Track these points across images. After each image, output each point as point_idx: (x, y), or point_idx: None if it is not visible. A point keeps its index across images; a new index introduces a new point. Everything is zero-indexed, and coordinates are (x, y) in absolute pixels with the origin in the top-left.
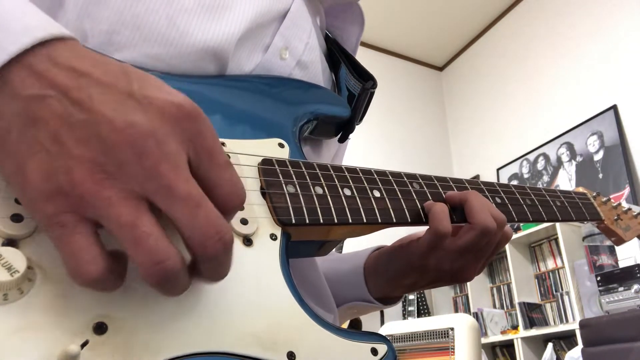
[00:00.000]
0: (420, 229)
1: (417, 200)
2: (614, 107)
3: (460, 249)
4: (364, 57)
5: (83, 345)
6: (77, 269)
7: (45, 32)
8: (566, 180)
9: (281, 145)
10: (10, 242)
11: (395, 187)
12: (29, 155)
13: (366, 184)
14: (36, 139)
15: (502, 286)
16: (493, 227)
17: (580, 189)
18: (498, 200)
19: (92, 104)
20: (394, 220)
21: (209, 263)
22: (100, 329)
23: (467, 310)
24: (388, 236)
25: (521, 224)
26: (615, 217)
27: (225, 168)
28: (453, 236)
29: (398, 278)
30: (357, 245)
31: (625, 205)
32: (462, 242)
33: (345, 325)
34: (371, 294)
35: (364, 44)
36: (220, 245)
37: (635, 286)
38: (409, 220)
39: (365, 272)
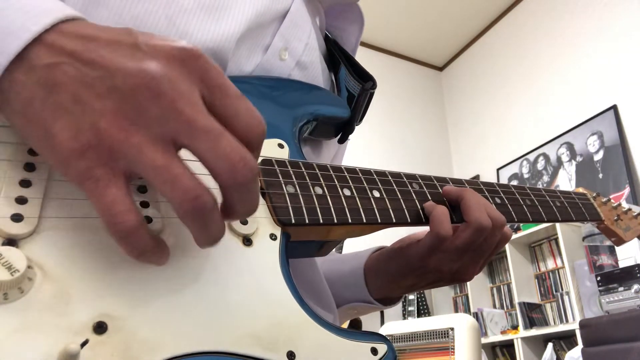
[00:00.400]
0: (420, 229)
1: (416, 201)
2: (614, 107)
3: (458, 249)
4: (364, 57)
5: (83, 344)
6: (114, 219)
7: (62, 13)
8: (566, 180)
9: (281, 146)
10: (11, 241)
11: (395, 187)
12: (53, 119)
13: (366, 184)
14: (58, 103)
15: (502, 286)
16: (488, 224)
17: (580, 190)
18: (498, 200)
19: (103, 61)
20: (394, 220)
21: (238, 191)
22: (100, 328)
23: (467, 310)
24: (388, 236)
25: (521, 224)
26: (615, 218)
27: (239, 99)
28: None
29: (398, 279)
30: (357, 246)
31: (625, 205)
32: (459, 241)
33: (345, 325)
34: (371, 295)
35: (364, 44)
36: (246, 171)
37: (635, 286)
38: (409, 220)
39: (365, 273)
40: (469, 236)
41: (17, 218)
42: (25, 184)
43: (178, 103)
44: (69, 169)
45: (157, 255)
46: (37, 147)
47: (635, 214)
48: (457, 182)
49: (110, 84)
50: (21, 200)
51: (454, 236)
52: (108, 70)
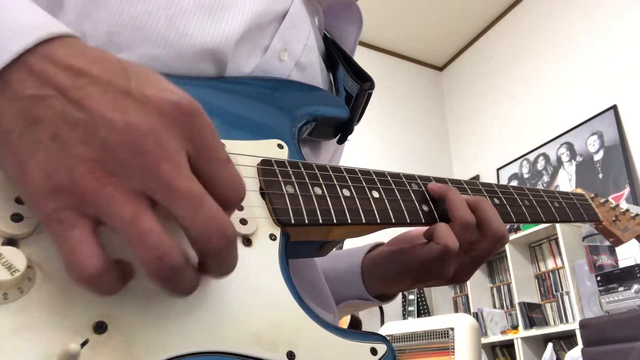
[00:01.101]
0: (419, 230)
1: (415, 201)
2: (614, 107)
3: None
4: (364, 57)
5: (83, 344)
6: (74, 263)
7: (47, 31)
8: (566, 181)
9: (280, 146)
10: (11, 241)
11: (394, 187)
12: (29, 154)
13: (365, 185)
14: (36, 138)
15: (502, 286)
16: (472, 220)
17: (579, 190)
18: (496, 201)
19: (90, 103)
20: (393, 220)
21: (214, 258)
22: (100, 328)
23: (467, 310)
24: (388, 236)
25: (521, 224)
26: (614, 218)
27: (225, 164)
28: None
29: (396, 279)
30: (357, 245)
31: (623, 206)
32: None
33: (344, 323)
34: (368, 292)
35: (364, 44)
36: (223, 240)
37: (635, 286)
38: (408, 221)
39: (362, 270)
40: (456, 234)
41: (17, 218)
42: None
43: (161, 164)
44: (37, 208)
45: (121, 288)
46: (10, 177)
47: (633, 214)
48: (456, 182)
49: (93, 132)
50: (21, 200)
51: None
52: (93, 116)
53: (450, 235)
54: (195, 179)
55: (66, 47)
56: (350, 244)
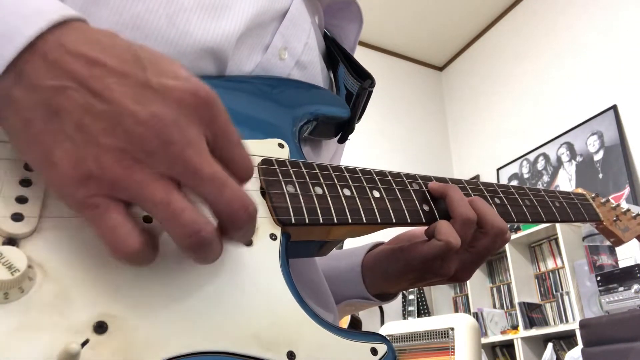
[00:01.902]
0: (419, 229)
1: (416, 201)
2: (614, 107)
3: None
4: (364, 57)
5: (83, 344)
6: (116, 244)
7: (59, 15)
8: (566, 180)
9: (281, 146)
10: (11, 241)
11: (395, 187)
12: (54, 144)
13: (366, 184)
14: (60, 129)
15: (502, 286)
16: (473, 217)
17: (580, 190)
18: (497, 201)
19: (112, 95)
20: (394, 220)
21: (237, 230)
22: (100, 328)
23: (467, 310)
24: (388, 236)
25: (521, 224)
26: (614, 218)
27: (239, 146)
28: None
29: (396, 278)
30: (357, 245)
31: (624, 206)
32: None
33: (345, 323)
34: (369, 291)
35: (364, 44)
36: (247, 216)
37: (635, 286)
38: (409, 220)
39: (363, 269)
40: (457, 231)
41: (17, 217)
42: (25, 183)
43: (186, 151)
44: (68, 196)
45: (152, 259)
46: (35, 168)
47: (634, 214)
48: (457, 182)
49: (117, 123)
50: (21, 200)
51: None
52: (117, 108)
53: (452, 232)
54: (216, 163)
55: (77, 33)
56: (350, 243)
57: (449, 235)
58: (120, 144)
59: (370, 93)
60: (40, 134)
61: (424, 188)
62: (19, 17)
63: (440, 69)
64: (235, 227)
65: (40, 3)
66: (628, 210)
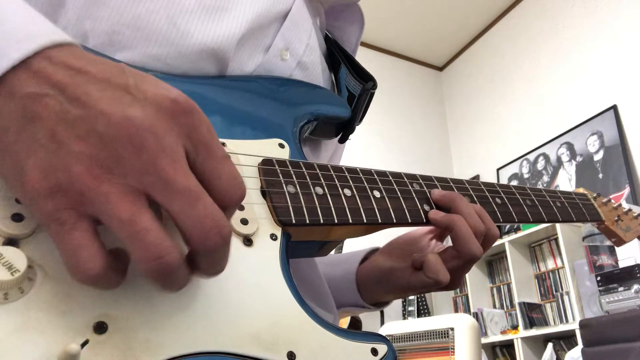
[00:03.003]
0: (417, 232)
1: (417, 201)
2: (614, 107)
3: (448, 272)
4: (364, 57)
5: (83, 344)
6: (76, 266)
7: (47, 39)
8: (566, 180)
9: (281, 146)
10: (11, 241)
11: (396, 187)
12: (27, 154)
13: (366, 184)
14: (34, 137)
15: (502, 286)
16: (480, 254)
17: (581, 190)
18: (498, 200)
19: (88, 100)
20: (394, 220)
21: (207, 257)
22: (100, 328)
23: (467, 310)
24: (388, 236)
25: (521, 224)
26: (616, 218)
27: (224, 161)
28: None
29: (388, 293)
30: (357, 245)
31: (625, 206)
32: (449, 266)
33: (345, 323)
34: (364, 300)
35: (364, 44)
36: (219, 239)
37: (635, 286)
38: (409, 220)
39: (357, 279)
40: (459, 264)
41: (17, 218)
42: None
43: (159, 160)
44: (36, 208)
45: (117, 284)
46: (6, 178)
47: (635, 214)
48: (458, 182)
49: (91, 127)
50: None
51: (443, 259)
52: (92, 112)
53: (441, 269)
54: (193, 176)
55: (65, 50)
56: (350, 243)
57: (438, 272)
58: (92, 150)
59: (372, 95)
60: (14, 142)
61: (425, 188)
62: (9, 40)
63: (440, 69)
64: (205, 250)
65: (30, 27)
66: (629, 210)
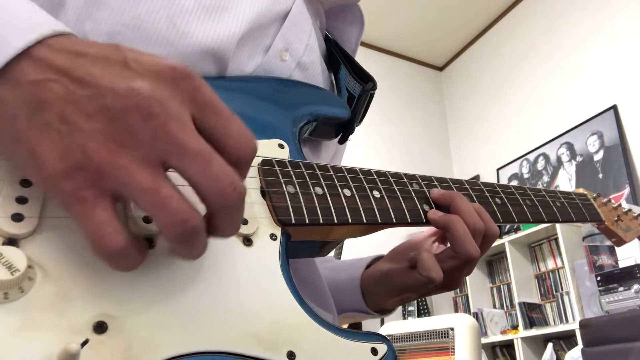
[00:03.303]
0: (423, 234)
1: (416, 200)
2: (614, 107)
3: (445, 272)
4: (364, 57)
5: (83, 344)
6: (100, 241)
7: (49, 29)
8: (566, 180)
9: (281, 146)
10: (11, 241)
11: (395, 187)
12: (40, 138)
13: (366, 184)
14: (45, 121)
15: (502, 286)
16: (476, 254)
17: (581, 190)
18: (498, 201)
19: (92, 79)
20: (394, 220)
21: (225, 215)
22: (100, 328)
23: (467, 310)
24: (389, 237)
25: (521, 224)
26: (616, 218)
27: (231, 118)
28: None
29: (385, 299)
30: (357, 245)
31: (625, 206)
32: (445, 266)
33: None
34: (368, 306)
35: (363, 44)
36: (235, 195)
37: (635, 286)
38: (409, 220)
39: (361, 285)
40: (456, 264)
41: (17, 218)
42: (25, 183)
43: (169, 125)
44: (56, 190)
45: (140, 263)
46: (22, 167)
47: (635, 214)
48: (457, 182)
49: (99, 104)
50: (22, 200)
51: (440, 260)
52: (97, 89)
53: (434, 267)
54: (202, 138)
55: (64, 38)
56: (350, 243)
57: (431, 270)
58: (103, 125)
59: (372, 96)
60: (25, 129)
61: (425, 188)
62: (12, 30)
63: (440, 69)
64: (223, 209)
65: (33, 18)
66: (629, 210)
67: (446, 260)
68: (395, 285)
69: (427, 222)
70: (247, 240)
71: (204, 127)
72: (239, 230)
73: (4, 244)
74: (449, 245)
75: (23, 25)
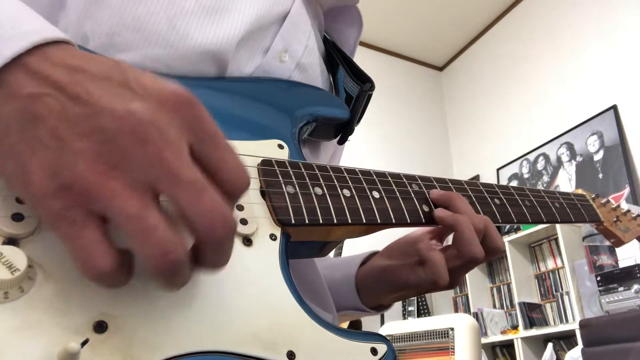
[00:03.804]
0: (420, 230)
1: (416, 201)
2: (614, 107)
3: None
4: (364, 57)
5: (83, 343)
6: (87, 263)
7: (40, 37)
8: (566, 180)
9: (280, 147)
10: (11, 241)
11: (394, 188)
12: (30, 154)
13: (365, 185)
14: (36, 137)
15: (502, 286)
16: (482, 256)
17: (580, 191)
18: (497, 201)
19: (89, 97)
20: (393, 220)
21: (212, 248)
22: (100, 327)
23: (467, 310)
24: (389, 237)
25: (521, 224)
26: (615, 219)
27: (228, 150)
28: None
29: (386, 294)
30: (358, 245)
31: (624, 206)
32: (449, 265)
33: (345, 324)
34: (364, 303)
35: (363, 44)
36: (225, 230)
37: (635, 286)
38: (408, 221)
39: (357, 282)
40: (459, 264)
41: (18, 217)
42: None
43: (164, 152)
44: (42, 208)
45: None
46: (11, 181)
47: (634, 215)
48: (457, 183)
49: (93, 123)
50: (22, 200)
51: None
52: (93, 108)
53: (442, 270)
54: (197, 168)
55: (62, 50)
56: (350, 244)
57: (439, 272)
58: (95, 145)
59: (369, 96)
60: (17, 143)
61: (424, 189)
62: (1, 39)
63: (440, 69)
64: (211, 241)
65: (23, 25)
66: (628, 211)
67: (450, 260)
68: (395, 282)
69: (427, 223)
70: (247, 241)
71: (200, 156)
72: (239, 230)
73: (4, 243)
74: (450, 244)
75: (14, 33)
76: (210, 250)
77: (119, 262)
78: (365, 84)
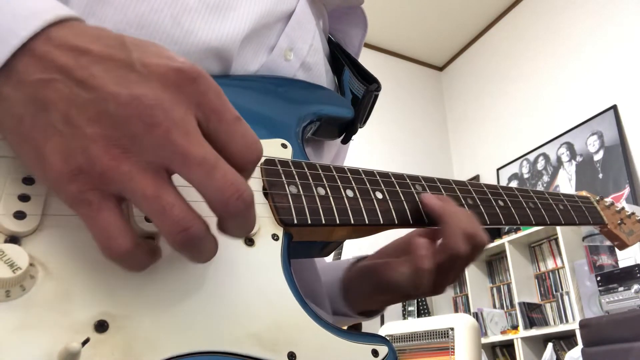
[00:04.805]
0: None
1: (419, 202)
2: (614, 107)
3: (432, 271)
4: (364, 57)
5: (84, 342)
6: (107, 243)
7: (53, 15)
8: (566, 181)
9: (284, 146)
10: (13, 239)
11: (398, 188)
12: (44, 139)
13: (368, 185)
14: (49, 122)
15: (502, 286)
16: (465, 252)
17: (584, 193)
18: (501, 203)
19: (95, 82)
20: (396, 221)
21: (232, 221)
22: (101, 327)
23: (467, 310)
24: (391, 238)
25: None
26: (619, 222)
27: (235, 123)
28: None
29: (372, 297)
30: (358, 246)
31: (628, 209)
32: (434, 259)
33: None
34: (351, 308)
35: (364, 44)
36: (240, 203)
37: (635, 286)
38: (411, 222)
39: (342, 285)
40: (444, 261)
41: (19, 215)
42: (28, 181)
43: (172, 133)
44: (61, 192)
45: (150, 263)
46: (29, 166)
47: (638, 217)
48: (460, 184)
49: (101, 109)
50: (24, 198)
51: (430, 255)
52: (99, 93)
53: (423, 251)
54: (208, 144)
55: (67, 29)
56: (350, 244)
57: (421, 252)
58: (106, 131)
59: (376, 97)
60: (31, 130)
61: (427, 190)
62: (15, 18)
63: (440, 69)
64: (230, 215)
65: (35, 3)
66: (632, 213)
67: (436, 254)
68: (377, 282)
69: (429, 224)
70: (249, 240)
71: (209, 132)
72: None
73: (6, 241)
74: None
75: (27, 13)
76: (230, 222)
77: (137, 241)
78: (371, 84)
